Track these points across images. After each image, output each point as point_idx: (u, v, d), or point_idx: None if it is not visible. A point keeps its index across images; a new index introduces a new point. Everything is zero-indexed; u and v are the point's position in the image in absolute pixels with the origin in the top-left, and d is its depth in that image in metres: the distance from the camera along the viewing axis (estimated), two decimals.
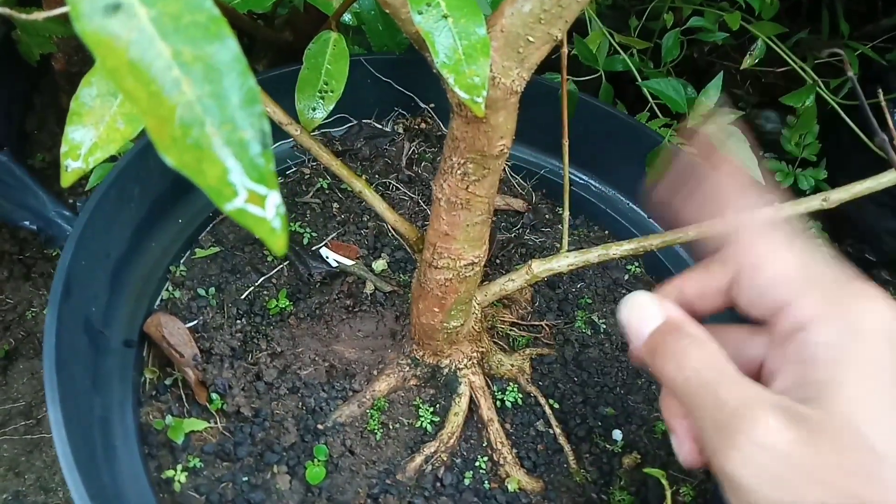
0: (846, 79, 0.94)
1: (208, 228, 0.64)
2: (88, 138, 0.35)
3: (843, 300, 0.31)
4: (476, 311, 0.54)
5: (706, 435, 0.31)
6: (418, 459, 0.53)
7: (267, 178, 0.20)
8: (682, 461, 0.38)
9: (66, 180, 0.36)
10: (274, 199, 0.20)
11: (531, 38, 0.35)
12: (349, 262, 0.63)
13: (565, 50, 0.45)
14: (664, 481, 0.50)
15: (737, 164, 0.36)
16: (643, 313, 0.37)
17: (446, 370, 0.56)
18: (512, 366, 0.59)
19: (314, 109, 0.47)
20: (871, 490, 0.27)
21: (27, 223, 0.71)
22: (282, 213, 0.20)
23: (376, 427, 0.55)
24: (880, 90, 0.47)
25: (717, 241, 0.41)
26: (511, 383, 0.59)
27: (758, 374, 0.39)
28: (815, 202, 0.43)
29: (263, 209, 0.20)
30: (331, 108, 0.47)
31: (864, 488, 0.27)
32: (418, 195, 0.71)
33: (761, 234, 0.34)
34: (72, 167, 0.35)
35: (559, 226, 0.73)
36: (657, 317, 0.37)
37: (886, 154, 0.31)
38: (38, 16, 0.31)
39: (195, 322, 0.57)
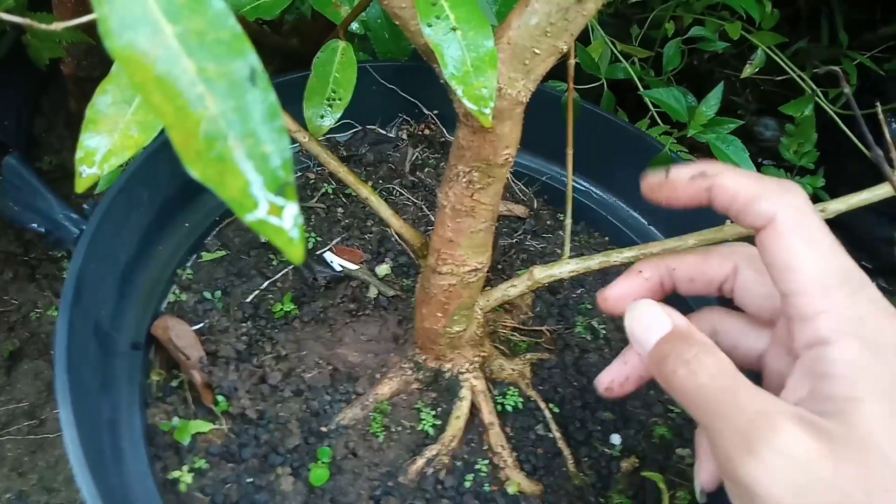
0: (850, 87, 0.95)
1: (214, 232, 0.64)
2: (103, 145, 0.36)
3: (863, 316, 0.30)
4: (478, 317, 0.55)
5: (721, 442, 0.31)
6: (420, 462, 0.54)
7: (286, 190, 0.21)
8: (700, 483, 0.39)
9: (81, 186, 0.37)
10: (292, 210, 0.21)
11: (537, 51, 0.35)
12: (353, 267, 0.64)
13: (572, 61, 0.46)
14: (662, 485, 0.51)
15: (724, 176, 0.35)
16: (650, 322, 0.37)
17: (448, 374, 0.57)
18: (513, 370, 0.60)
19: (322, 117, 0.48)
20: None
21: (35, 225, 0.72)
22: (299, 224, 0.21)
23: (379, 430, 0.56)
24: (878, 103, 0.48)
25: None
26: (512, 387, 0.60)
27: (755, 366, 0.40)
28: None
29: (282, 220, 0.21)
30: (339, 115, 0.48)
31: None
32: (421, 200, 0.72)
33: (787, 230, 0.32)
34: (87, 173, 0.36)
35: (560, 232, 0.74)
36: (664, 325, 0.37)
37: (881, 169, 0.32)
38: (56, 26, 0.32)
39: (201, 325, 0.57)
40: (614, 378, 0.43)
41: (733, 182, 0.34)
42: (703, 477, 0.38)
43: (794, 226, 0.32)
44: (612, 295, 0.43)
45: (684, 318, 0.37)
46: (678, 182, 0.36)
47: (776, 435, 0.29)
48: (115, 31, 0.20)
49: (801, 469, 0.28)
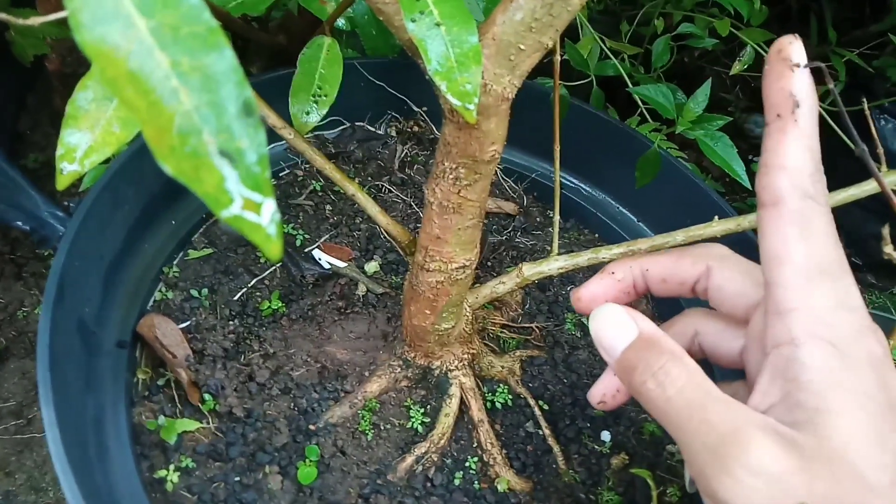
0: (837, 84, 0.95)
1: (201, 230, 0.64)
2: (84, 142, 0.36)
3: (835, 322, 0.30)
4: (467, 314, 0.55)
5: (694, 457, 0.31)
6: (409, 460, 0.54)
7: (262, 185, 0.20)
8: (690, 473, 0.38)
9: (62, 183, 0.36)
10: (269, 206, 0.21)
11: (522, 47, 0.35)
12: (342, 264, 0.63)
13: (558, 57, 0.46)
14: (651, 482, 0.51)
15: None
16: (616, 327, 0.36)
17: (437, 371, 0.57)
18: (502, 367, 0.60)
19: (308, 113, 0.47)
20: None
21: (20, 223, 0.71)
22: (277, 220, 0.21)
23: (367, 428, 0.55)
24: (864, 99, 0.48)
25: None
26: (501, 385, 0.60)
27: (738, 364, 0.40)
28: None
29: (259, 216, 0.21)
30: (324, 112, 0.48)
31: None
32: (410, 197, 0.72)
33: (788, 216, 0.31)
34: (67, 170, 0.36)
35: (549, 229, 0.74)
36: (631, 331, 0.36)
37: (866, 165, 0.32)
38: (35, 20, 0.31)
39: (188, 323, 0.57)
40: (605, 391, 0.42)
41: (794, 140, 0.31)
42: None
43: (796, 213, 0.31)
44: (585, 295, 0.42)
45: (651, 322, 0.37)
46: (779, 67, 0.32)
47: (748, 451, 0.29)
48: (86, 25, 0.19)
49: (775, 486, 0.28)
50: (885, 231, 0.36)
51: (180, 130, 0.20)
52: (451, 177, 0.42)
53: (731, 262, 0.39)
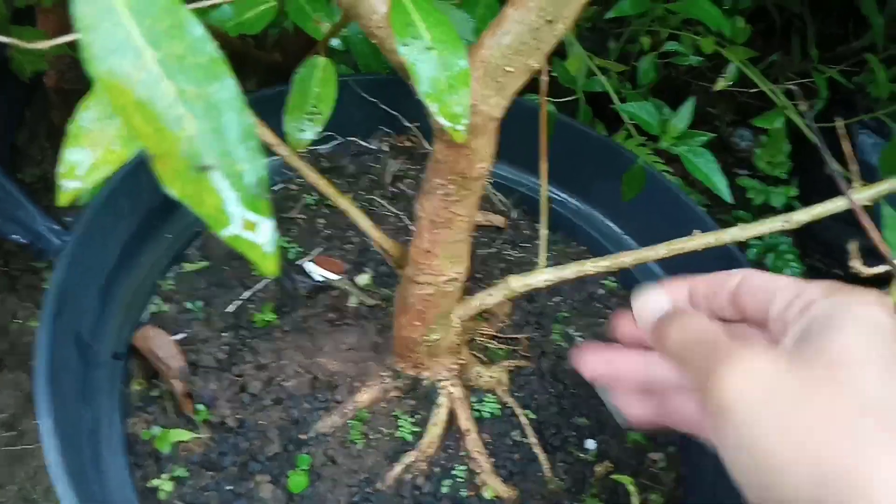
0: (815, 101, 0.98)
1: (196, 243, 0.65)
2: (86, 160, 0.37)
3: (839, 294, 0.32)
4: (456, 325, 0.56)
5: (697, 376, 0.32)
6: (398, 468, 0.55)
7: (261, 206, 0.22)
8: (627, 416, 0.41)
9: (63, 200, 0.37)
10: (267, 225, 0.22)
11: (510, 69, 0.37)
12: (334, 277, 0.64)
13: (545, 78, 0.48)
14: (632, 487, 0.52)
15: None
16: (653, 302, 0.40)
17: (426, 382, 0.58)
18: (490, 378, 0.61)
19: (302, 131, 0.48)
20: (855, 420, 0.27)
21: (17, 237, 0.72)
22: (273, 239, 0.22)
23: (357, 437, 0.56)
24: (840, 118, 0.50)
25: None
26: (489, 394, 0.61)
27: None
28: (777, 223, 0.46)
29: (255, 235, 0.22)
30: (319, 129, 0.49)
31: (850, 417, 0.27)
32: (402, 211, 0.73)
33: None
34: (69, 187, 0.37)
35: (538, 241, 0.75)
36: (665, 304, 0.39)
37: (837, 183, 0.34)
38: (42, 44, 0.32)
39: (183, 335, 0.58)
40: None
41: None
42: (631, 411, 0.41)
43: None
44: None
45: (685, 301, 0.40)
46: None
47: (744, 354, 0.30)
48: (97, 57, 0.21)
49: (768, 381, 0.29)
50: (853, 246, 0.38)
51: (184, 155, 0.21)
52: (440, 193, 0.43)
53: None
